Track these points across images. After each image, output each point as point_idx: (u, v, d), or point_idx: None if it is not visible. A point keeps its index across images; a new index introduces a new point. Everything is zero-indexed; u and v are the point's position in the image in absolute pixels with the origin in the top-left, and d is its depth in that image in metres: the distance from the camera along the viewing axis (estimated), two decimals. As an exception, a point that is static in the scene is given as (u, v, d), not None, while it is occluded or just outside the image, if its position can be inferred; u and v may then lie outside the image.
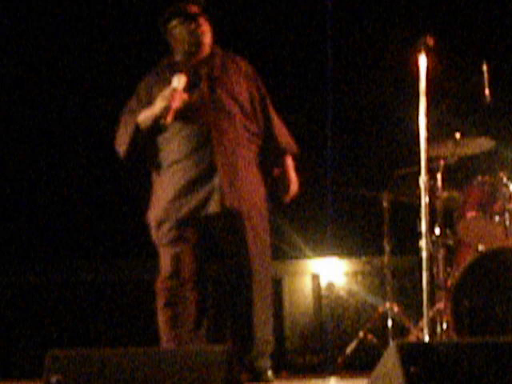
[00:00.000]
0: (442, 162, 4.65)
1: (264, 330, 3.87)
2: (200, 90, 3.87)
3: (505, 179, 4.55)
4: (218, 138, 3.81)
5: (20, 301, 5.61)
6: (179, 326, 3.80)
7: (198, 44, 3.92)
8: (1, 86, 5.85)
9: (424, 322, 3.71)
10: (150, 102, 3.88)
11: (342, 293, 5.66)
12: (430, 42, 3.76)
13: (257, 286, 3.83)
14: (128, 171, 4.68)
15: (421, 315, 3.77)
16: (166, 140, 3.88)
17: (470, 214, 4.60)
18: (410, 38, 3.92)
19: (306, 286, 5.70)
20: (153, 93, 3.90)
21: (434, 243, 4.61)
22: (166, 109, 3.74)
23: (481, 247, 4.60)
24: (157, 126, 3.84)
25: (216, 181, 3.79)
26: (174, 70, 3.90)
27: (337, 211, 5.74)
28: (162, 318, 3.85)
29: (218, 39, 4.03)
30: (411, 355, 2.50)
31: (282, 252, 5.62)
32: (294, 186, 4.06)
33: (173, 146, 3.85)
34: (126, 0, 5.88)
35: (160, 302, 3.86)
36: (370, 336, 5.10)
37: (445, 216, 4.64)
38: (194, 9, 3.93)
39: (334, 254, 5.74)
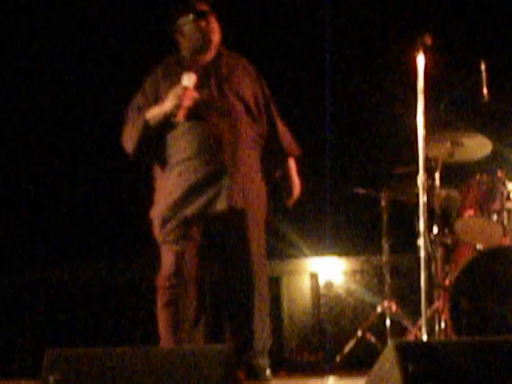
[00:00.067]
0: (439, 162, 4.65)
1: (262, 329, 3.88)
2: (209, 89, 3.87)
3: (503, 178, 4.55)
4: (227, 138, 3.82)
5: (18, 300, 5.61)
6: (179, 324, 3.80)
7: (207, 42, 3.91)
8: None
9: (422, 321, 3.71)
10: (156, 99, 3.88)
11: (341, 291, 5.66)
12: (428, 40, 3.77)
13: (257, 284, 3.85)
14: (128, 170, 4.69)
15: (419, 314, 3.77)
16: (173, 138, 3.86)
17: (468, 213, 4.61)
18: (408, 36, 3.92)
19: (304, 284, 5.70)
20: (160, 89, 3.90)
21: (432, 242, 4.61)
22: (177, 107, 3.74)
23: (479, 246, 4.61)
24: (166, 124, 3.83)
25: (225, 180, 3.79)
26: (183, 67, 3.90)
27: (335, 210, 5.74)
28: (162, 316, 3.85)
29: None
30: (409, 354, 2.51)
31: (281, 251, 5.62)
32: (298, 189, 4.08)
33: (181, 145, 3.83)
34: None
35: (160, 301, 3.85)
36: (368, 335, 5.10)
37: (443, 215, 4.64)
38: (204, 7, 3.92)
39: (332, 252, 5.75)
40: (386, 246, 5.17)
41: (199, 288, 3.85)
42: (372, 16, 5.87)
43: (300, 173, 4.11)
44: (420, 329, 4.15)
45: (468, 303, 4.23)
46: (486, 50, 5.16)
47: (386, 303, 5.10)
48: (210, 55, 3.94)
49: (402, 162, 4.94)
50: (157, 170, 3.95)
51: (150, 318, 4.00)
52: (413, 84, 3.77)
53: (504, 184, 4.54)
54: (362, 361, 4.97)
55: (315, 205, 5.75)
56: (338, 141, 5.80)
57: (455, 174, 4.89)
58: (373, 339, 5.08)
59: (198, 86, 3.80)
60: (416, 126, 3.76)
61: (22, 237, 5.87)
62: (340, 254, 5.76)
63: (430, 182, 4.53)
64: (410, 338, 4.76)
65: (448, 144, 4.63)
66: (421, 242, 3.76)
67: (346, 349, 5.09)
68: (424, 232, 3.72)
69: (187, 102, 3.75)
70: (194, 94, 3.77)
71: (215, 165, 3.80)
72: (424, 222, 3.73)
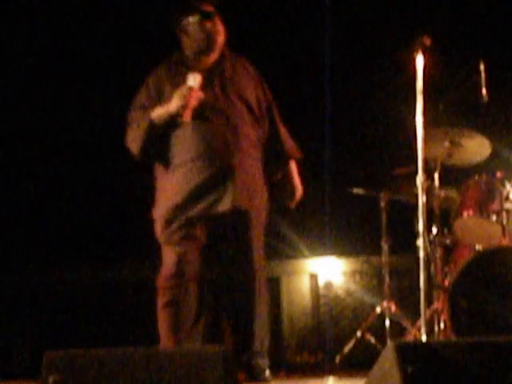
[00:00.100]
0: (439, 162, 4.65)
1: (262, 329, 3.88)
2: (213, 90, 3.87)
3: (502, 179, 4.55)
4: (231, 139, 3.83)
5: (18, 300, 5.61)
6: (179, 325, 3.80)
7: (212, 44, 3.91)
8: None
9: (421, 322, 3.71)
10: (160, 98, 3.87)
11: (340, 292, 5.67)
12: (427, 41, 3.77)
13: (259, 284, 3.87)
14: (128, 170, 4.69)
15: (418, 314, 3.77)
16: (178, 138, 3.85)
17: (467, 214, 4.61)
18: (407, 37, 3.93)
19: (303, 285, 5.71)
20: (164, 89, 3.89)
21: (431, 243, 4.61)
22: (183, 107, 3.74)
23: (478, 246, 4.61)
24: (171, 124, 3.82)
25: (229, 181, 3.79)
26: (187, 67, 3.89)
27: (334, 211, 5.74)
28: (161, 317, 3.84)
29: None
30: (409, 355, 2.51)
31: (280, 251, 5.63)
32: (299, 191, 4.09)
33: (186, 145, 3.83)
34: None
35: (161, 301, 3.84)
36: (367, 335, 5.10)
37: (442, 215, 4.64)
38: (210, 8, 3.92)
39: (331, 253, 5.75)
40: (385, 247, 5.17)
41: (200, 288, 3.85)
42: (371, 17, 5.88)
43: (299, 173, 4.12)
44: (419, 329, 4.15)
45: (467, 304, 4.23)
46: (484, 51, 5.15)
47: (385, 304, 5.11)
48: (214, 57, 3.94)
49: (401, 162, 4.94)
50: (159, 170, 3.94)
51: (149, 318, 4.00)
52: (412, 85, 3.77)
53: (503, 184, 4.54)
54: (361, 361, 4.97)
55: (314, 205, 5.75)
56: (337, 141, 5.80)
57: (454, 174, 4.89)
58: (372, 340, 5.08)
59: (203, 87, 3.81)
60: (415, 127, 3.76)
61: (22, 237, 5.87)
62: (339, 255, 5.76)
63: (429, 182, 4.53)
64: (410, 338, 4.75)
65: (447, 143, 4.63)
66: (420, 242, 3.76)
67: (346, 349, 5.09)
68: (423, 232, 3.73)
69: (193, 102, 3.74)
70: (200, 94, 3.77)
71: (220, 165, 3.80)
72: (423, 222, 3.73)
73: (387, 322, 5.06)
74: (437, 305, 4.48)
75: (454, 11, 5.72)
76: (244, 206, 3.82)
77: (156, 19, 5.70)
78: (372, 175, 5.64)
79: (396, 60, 4.43)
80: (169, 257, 3.84)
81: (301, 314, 5.64)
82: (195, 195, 3.79)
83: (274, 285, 5.53)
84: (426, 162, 3.80)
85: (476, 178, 4.66)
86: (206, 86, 3.82)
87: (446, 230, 4.73)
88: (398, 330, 5.04)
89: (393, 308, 5.08)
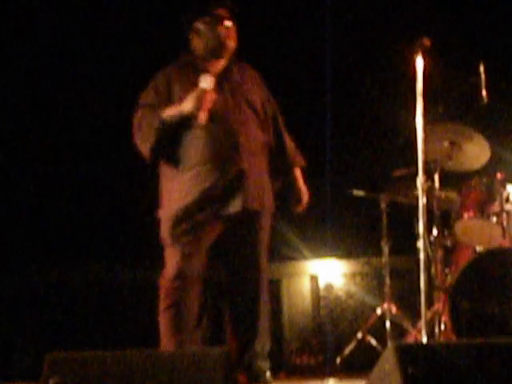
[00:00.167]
0: (439, 163, 4.65)
1: (264, 331, 3.89)
2: (223, 94, 3.87)
3: (502, 180, 4.55)
4: (242, 142, 3.84)
5: (18, 302, 5.61)
6: (180, 327, 3.79)
7: (223, 49, 3.91)
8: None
9: (422, 323, 3.71)
10: (169, 98, 3.86)
11: (341, 294, 5.67)
12: (427, 43, 3.78)
13: (263, 286, 3.89)
14: (131, 170, 4.69)
15: (419, 316, 3.77)
16: (188, 140, 3.84)
17: (468, 215, 4.61)
18: (407, 39, 3.93)
19: (304, 287, 5.71)
20: (173, 89, 3.88)
21: (431, 244, 4.61)
22: (198, 109, 3.73)
23: (478, 248, 4.61)
24: (182, 125, 3.81)
25: (241, 184, 3.80)
26: (197, 69, 3.89)
27: (335, 212, 5.74)
28: (163, 318, 3.83)
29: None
30: (409, 356, 2.51)
31: (281, 253, 5.62)
32: (306, 196, 4.11)
33: (197, 147, 3.82)
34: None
35: (163, 303, 3.83)
36: (368, 337, 5.10)
37: (442, 217, 4.64)
38: (225, 13, 3.92)
39: (332, 255, 5.75)
40: (385, 248, 5.17)
41: (202, 290, 3.85)
42: (371, 19, 5.88)
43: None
44: (420, 331, 4.15)
45: (468, 305, 4.23)
46: (485, 52, 5.16)
47: (385, 305, 5.11)
48: (224, 61, 3.95)
49: (402, 164, 4.94)
50: (167, 171, 3.92)
51: (150, 320, 4.00)
52: (412, 86, 3.77)
53: (503, 186, 4.54)
54: (362, 363, 4.97)
55: (315, 207, 5.75)
56: (337, 143, 5.80)
57: (455, 176, 4.89)
58: (373, 341, 5.08)
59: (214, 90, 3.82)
60: (415, 128, 3.77)
61: (22, 238, 5.87)
62: (340, 257, 5.76)
63: (429, 183, 4.53)
64: (410, 339, 4.76)
65: (446, 143, 4.64)
66: (420, 243, 3.76)
67: (346, 351, 5.09)
68: (423, 234, 3.73)
69: (208, 105, 3.74)
70: (214, 97, 3.78)
71: (230, 168, 3.81)
72: (423, 223, 3.73)
73: (388, 324, 5.06)
74: (437, 306, 4.48)
75: (453, 13, 5.72)
76: (255, 207, 3.84)
77: (156, 20, 5.72)
78: (372, 177, 5.64)
79: (396, 62, 4.43)
80: (173, 258, 3.83)
81: (301, 316, 5.64)
82: (205, 197, 3.79)
83: (275, 286, 5.54)
84: (426, 163, 3.80)
85: (476, 179, 4.66)
86: (215, 89, 3.83)
87: (446, 232, 4.73)
88: (399, 331, 5.04)
89: (393, 309, 5.09)
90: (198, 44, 3.95)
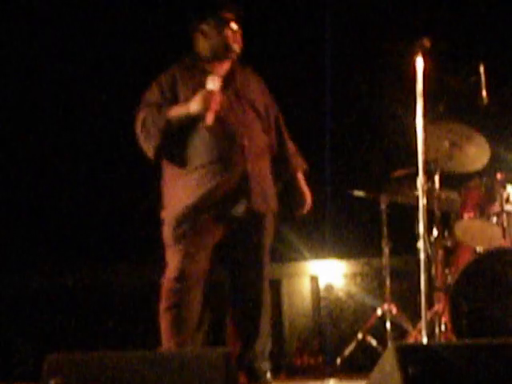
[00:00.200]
0: (439, 164, 4.65)
1: (265, 332, 3.90)
2: (227, 96, 3.87)
3: (502, 180, 4.55)
4: (247, 144, 3.85)
5: (19, 303, 5.61)
6: (182, 327, 3.79)
7: (229, 52, 3.92)
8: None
9: (422, 324, 3.71)
10: (175, 98, 3.86)
11: (341, 294, 5.67)
12: (427, 43, 3.78)
13: (265, 288, 3.91)
14: (133, 172, 4.68)
15: (419, 317, 3.77)
16: (193, 142, 3.84)
17: (468, 216, 4.61)
18: (407, 39, 3.93)
19: (304, 287, 5.71)
20: (178, 89, 3.88)
21: (431, 245, 4.61)
22: (205, 110, 3.73)
23: (478, 248, 4.61)
24: (187, 126, 3.81)
25: (246, 186, 3.81)
26: (201, 70, 3.90)
27: (335, 213, 5.74)
28: (165, 319, 3.83)
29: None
30: (409, 357, 2.51)
31: (281, 254, 5.62)
32: (309, 199, 4.12)
33: (202, 149, 3.83)
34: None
35: (165, 303, 3.83)
36: (368, 337, 5.10)
37: (442, 217, 4.65)
38: (232, 16, 3.94)
39: (332, 255, 5.75)
40: (385, 249, 5.17)
41: (204, 291, 3.85)
42: (371, 19, 5.88)
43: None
44: (420, 331, 4.15)
45: (468, 306, 4.23)
46: (485, 53, 5.16)
47: (386, 306, 5.10)
48: (228, 64, 3.95)
49: (402, 164, 4.94)
50: (171, 172, 3.91)
51: (150, 321, 3.99)
52: (412, 87, 3.77)
53: (503, 186, 4.54)
54: (362, 364, 4.97)
55: (315, 208, 5.75)
56: (337, 143, 5.80)
57: (455, 176, 4.89)
58: (373, 342, 5.08)
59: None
60: (415, 129, 3.77)
61: (23, 240, 5.86)
62: (340, 257, 5.76)
63: (429, 184, 4.53)
64: (410, 340, 4.75)
65: (446, 143, 4.64)
66: (420, 244, 3.76)
67: (347, 351, 5.09)
68: (424, 234, 3.73)
69: (215, 107, 3.75)
70: (221, 99, 3.78)
71: (236, 170, 3.82)
72: (424, 224, 3.73)
73: (388, 324, 5.06)
74: (437, 307, 4.48)
75: (454, 13, 5.72)
76: (259, 209, 3.86)
77: (157, 20, 5.72)
78: (372, 177, 5.64)
79: (396, 62, 4.43)
80: (176, 258, 3.82)
81: (301, 317, 5.63)
82: (209, 198, 3.79)
83: (275, 287, 5.53)
84: (426, 163, 3.80)
85: (476, 179, 4.66)
86: (221, 91, 3.83)
87: (446, 232, 4.73)
88: (399, 332, 5.04)
89: (393, 310, 5.08)
90: (202, 45, 3.96)
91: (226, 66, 3.95)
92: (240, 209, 3.81)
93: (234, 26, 3.92)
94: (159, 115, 3.82)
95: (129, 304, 5.56)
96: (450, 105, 4.49)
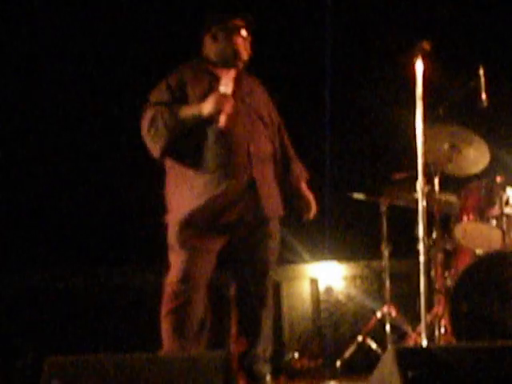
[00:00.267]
0: (438, 167, 4.66)
1: (267, 335, 3.90)
2: (235, 101, 3.87)
3: (502, 183, 4.56)
4: (253, 151, 3.87)
5: (19, 305, 5.60)
6: (184, 331, 3.79)
7: (237, 59, 3.95)
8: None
9: (422, 326, 3.71)
10: (183, 99, 3.86)
11: (341, 297, 5.67)
12: (427, 46, 3.78)
13: (269, 292, 3.93)
14: (133, 173, 4.67)
15: (419, 319, 3.77)
16: (200, 146, 3.85)
17: (468, 218, 4.61)
18: (406, 42, 3.93)
19: (304, 290, 5.70)
20: (187, 91, 3.89)
21: (431, 247, 4.62)
22: (218, 113, 3.75)
23: (478, 251, 4.62)
24: (198, 128, 3.81)
25: (253, 191, 3.83)
26: (211, 74, 3.92)
27: (335, 216, 5.74)
28: (167, 322, 3.83)
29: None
30: (409, 360, 2.51)
31: (281, 256, 5.61)
32: (313, 205, 4.14)
33: (210, 154, 3.83)
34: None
35: (167, 306, 3.83)
36: (368, 340, 5.10)
37: (442, 220, 4.65)
38: (243, 23, 3.97)
39: (332, 258, 5.75)
40: (385, 251, 5.17)
41: (207, 295, 3.86)
42: (371, 21, 5.88)
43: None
44: (420, 334, 4.15)
45: (468, 308, 4.23)
46: (484, 56, 5.16)
47: (385, 308, 5.10)
48: (234, 72, 3.96)
49: (402, 167, 4.95)
50: (176, 176, 3.92)
51: (151, 323, 3.99)
52: (412, 89, 3.77)
53: (503, 189, 4.55)
54: (362, 366, 4.97)
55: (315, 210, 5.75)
56: (337, 146, 5.81)
57: (454, 179, 4.90)
58: (373, 344, 5.08)
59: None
60: (415, 132, 3.77)
61: (22, 239, 5.86)
62: (340, 260, 5.76)
63: (429, 187, 4.53)
64: (410, 343, 4.75)
65: (446, 145, 4.64)
66: (420, 247, 3.76)
67: (346, 354, 5.09)
68: (423, 237, 3.73)
69: (228, 110, 3.76)
70: (233, 102, 3.79)
71: (243, 176, 3.83)
72: (423, 227, 3.73)
73: (388, 327, 5.06)
74: (437, 309, 4.48)
75: (453, 16, 5.72)
76: (266, 214, 3.88)
77: (159, 20, 5.72)
78: (372, 180, 5.64)
79: (396, 65, 4.44)
80: (179, 262, 3.83)
81: (301, 319, 5.63)
82: (216, 203, 3.80)
83: (275, 290, 5.52)
84: (426, 166, 3.80)
85: (476, 182, 4.67)
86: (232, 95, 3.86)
87: (446, 235, 4.74)
88: (399, 334, 5.04)
89: (393, 313, 5.08)
90: (211, 49, 3.98)
91: (232, 72, 3.96)
92: (247, 215, 3.82)
93: (244, 33, 3.96)
94: (170, 114, 3.81)
95: (129, 306, 5.56)
96: (450, 108, 4.49)
